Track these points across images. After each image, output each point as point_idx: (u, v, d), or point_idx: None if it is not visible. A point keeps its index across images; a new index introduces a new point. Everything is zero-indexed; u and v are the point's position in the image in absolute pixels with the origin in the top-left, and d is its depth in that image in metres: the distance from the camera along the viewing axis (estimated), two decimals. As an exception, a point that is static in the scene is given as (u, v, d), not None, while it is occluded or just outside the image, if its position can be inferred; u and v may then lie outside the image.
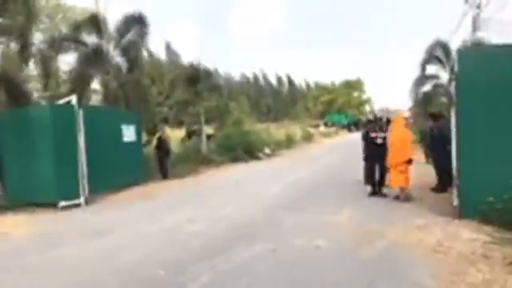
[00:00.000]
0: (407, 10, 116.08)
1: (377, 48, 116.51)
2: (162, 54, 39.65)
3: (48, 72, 14.24)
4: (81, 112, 9.50)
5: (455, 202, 6.44)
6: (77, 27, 14.62)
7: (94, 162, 9.68)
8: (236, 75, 46.32)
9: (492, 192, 5.65)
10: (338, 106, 65.65)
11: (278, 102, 52.10)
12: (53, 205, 8.82)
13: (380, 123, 9.10)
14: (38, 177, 9.12)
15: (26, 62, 13.01)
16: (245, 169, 16.09)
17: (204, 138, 18.94)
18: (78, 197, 9.21)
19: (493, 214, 5.61)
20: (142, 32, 15.02)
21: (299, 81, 64.56)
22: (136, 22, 14.92)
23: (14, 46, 12.73)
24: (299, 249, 5.32)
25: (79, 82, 14.18)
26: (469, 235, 5.41)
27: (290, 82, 58.81)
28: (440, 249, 4.99)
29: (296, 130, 32.79)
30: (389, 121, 9.25)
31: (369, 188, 8.77)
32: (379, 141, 8.61)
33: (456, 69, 6.38)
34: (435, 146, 9.19)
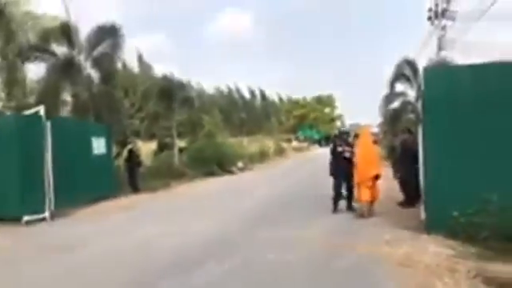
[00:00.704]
0: (379, 27, 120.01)
1: (350, 64, 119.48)
2: (134, 65, 39.30)
3: (13, 81, 13.80)
4: (48, 123, 9.24)
5: (422, 217, 6.62)
6: (46, 36, 14.29)
7: (62, 174, 9.38)
8: (209, 88, 46.26)
9: (457, 207, 5.82)
10: (310, 120, 66.62)
11: (251, 115, 52.30)
12: (16, 219, 8.46)
13: (345, 137, 9.10)
14: (1, 190, 8.73)
15: None
16: (217, 183, 16.02)
17: (176, 151, 18.76)
18: (43, 211, 8.88)
19: (458, 228, 5.78)
20: (116, 43, 14.82)
21: (272, 94, 65.22)
22: (109, 33, 14.72)
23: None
24: (271, 263, 5.31)
25: (48, 92, 13.82)
26: (435, 249, 5.55)
27: (263, 95, 59.27)
28: (408, 262, 5.10)
29: (269, 144, 33.02)
30: (356, 135, 9.30)
31: (332, 205, 8.70)
32: (347, 154, 8.63)
33: (422, 86, 6.62)
34: (402, 161, 9.37)
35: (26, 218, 8.51)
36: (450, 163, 6.22)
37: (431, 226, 6.27)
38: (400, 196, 9.33)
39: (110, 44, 14.80)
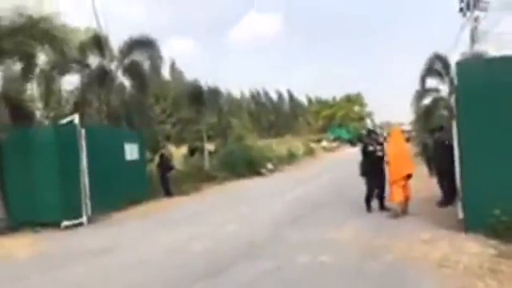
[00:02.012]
0: (409, 23, 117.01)
1: (378, 62, 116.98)
2: (166, 72, 40.03)
3: (50, 92, 14.35)
4: (83, 131, 9.55)
5: (460, 215, 6.39)
6: (81, 48, 14.81)
7: (97, 180, 9.69)
8: (236, 91, 46.59)
9: (498, 205, 5.58)
10: (337, 119, 65.81)
11: (280, 117, 52.28)
12: (56, 224, 8.79)
13: (374, 136, 8.93)
14: (41, 197, 9.10)
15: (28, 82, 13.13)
16: (247, 185, 16.06)
17: (206, 154, 18.97)
18: (80, 216, 9.19)
19: (499, 227, 5.54)
20: (149, 53, 15.18)
21: (300, 96, 65.00)
22: (141, 43, 15.10)
23: (17, 66, 12.84)
24: (304, 265, 5.26)
25: (82, 101, 14.29)
26: (475, 249, 5.34)
27: (291, 97, 59.14)
28: (446, 263, 4.92)
29: (298, 146, 32.81)
30: (387, 134, 9.09)
31: (366, 205, 8.60)
32: (380, 153, 8.48)
33: (456, 82, 6.41)
34: (438, 159, 9.06)
35: (64, 222, 8.83)
36: (488, 159, 5.98)
37: (470, 225, 6.05)
38: (437, 195, 9.05)
39: (143, 53, 15.17)
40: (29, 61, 11.63)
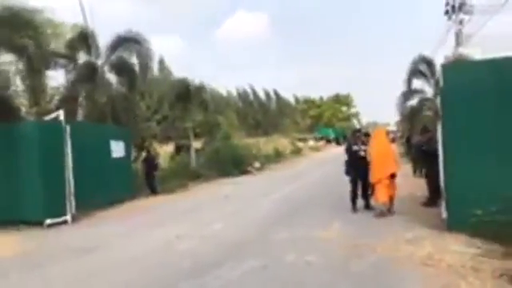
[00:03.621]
0: (397, 24, 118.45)
1: (367, 63, 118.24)
2: (155, 69, 39.24)
3: (36, 88, 14.09)
4: (68, 128, 9.40)
5: (444, 215, 6.49)
6: (68, 43, 14.58)
7: (82, 178, 9.55)
8: (223, 89, 46.39)
9: (480, 205, 5.69)
10: (325, 119, 66.25)
11: (267, 116, 52.23)
12: (39, 223, 8.64)
13: (359, 136, 9.01)
14: (24, 194, 8.92)
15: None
16: (234, 183, 16.04)
17: (193, 152, 18.88)
18: (64, 214, 9.05)
19: (481, 226, 5.64)
20: (137, 49, 15.02)
21: (288, 95, 65.10)
22: (129, 40, 14.93)
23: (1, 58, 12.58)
24: (290, 264, 5.28)
25: (67, 97, 14.08)
26: (458, 248, 5.44)
27: (278, 96, 59.20)
28: (430, 262, 5.01)
29: (285, 144, 32.92)
30: (367, 134, 9.20)
31: (351, 205, 8.66)
32: (362, 153, 8.55)
33: (441, 83, 6.50)
34: (422, 160, 9.22)
35: (48, 221, 8.69)
36: (471, 160, 6.10)
37: (453, 225, 6.16)
38: (421, 195, 9.19)
39: (130, 50, 15.01)
40: (17, 54, 11.44)
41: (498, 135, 6.00)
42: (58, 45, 15.09)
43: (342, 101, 71.48)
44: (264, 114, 52.01)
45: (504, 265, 4.64)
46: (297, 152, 33.48)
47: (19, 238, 7.79)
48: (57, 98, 14.93)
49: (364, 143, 8.72)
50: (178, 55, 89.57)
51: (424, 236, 6.17)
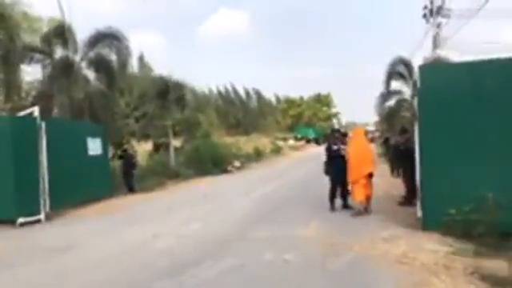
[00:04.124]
0: (377, 27, 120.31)
1: (346, 63, 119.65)
2: (134, 65, 38.62)
3: (10, 82, 13.69)
4: (43, 124, 9.17)
5: (419, 214, 6.62)
6: (43, 38, 14.22)
7: (58, 176, 9.32)
8: (204, 87, 46.13)
9: (453, 204, 5.83)
10: (305, 119, 66.68)
11: (247, 115, 52.24)
12: (11, 221, 8.39)
13: (338, 135, 9.11)
14: (-5, 192, 8.66)
15: None
16: (214, 182, 15.98)
17: (172, 151, 18.70)
18: (38, 213, 8.82)
19: (454, 225, 5.80)
20: (116, 46, 14.78)
21: (269, 95, 65.24)
22: (107, 36, 14.67)
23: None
24: (268, 263, 5.29)
25: (43, 93, 13.74)
26: (432, 246, 5.57)
27: (259, 95, 59.26)
28: (405, 260, 5.11)
29: (265, 144, 32.98)
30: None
31: (329, 204, 8.73)
32: (342, 152, 8.61)
33: (418, 84, 6.62)
34: (400, 160, 9.39)
35: (20, 219, 8.45)
36: (446, 161, 6.24)
37: (427, 224, 6.29)
38: (398, 194, 9.35)
39: (109, 46, 14.75)
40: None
41: (473, 136, 6.15)
42: (34, 39, 14.73)
43: (322, 101, 72.05)
44: (244, 113, 52.00)
45: (475, 263, 4.77)
46: (277, 151, 33.59)
47: (-10, 237, 7.56)
48: (33, 93, 14.58)
49: (343, 143, 8.81)
50: (160, 52, 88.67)
51: (399, 235, 6.28)
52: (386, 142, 19.34)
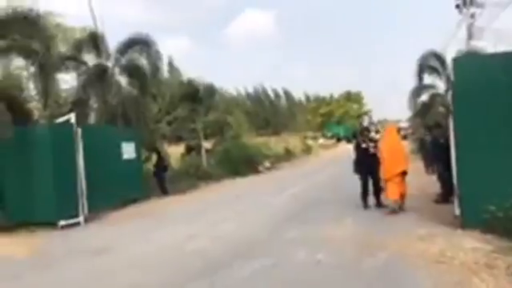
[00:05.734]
0: (407, 20, 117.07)
1: (377, 59, 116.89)
2: (164, 70, 39.23)
3: (47, 91, 14.27)
4: (79, 130, 9.52)
5: (457, 212, 6.40)
6: (77, 46, 14.73)
7: (94, 179, 9.65)
8: (232, 89, 46.42)
9: (493, 201, 5.61)
10: (336, 117, 65.83)
11: (277, 114, 52.17)
12: (52, 224, 8.75)
13: (367, 133, 8.91)
14: (37, 196, 9.03)
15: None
16: (245, 183, 16.06)
17: (203, 153, 18.94)
18: (77, 215, 9.15)
19: (495, 222, 5.57)
20: (147, 52, 15.14)
21: (298, 94, 64.93)
22: (139, 43, 15.06)
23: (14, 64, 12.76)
24: (300, 263, 5.26)
25: (79, 100, 14.23)
26: (471, 245, 5.36)
27: (288, 95, 59.08)
28: (443, 259, 4.94)
29: (295, 143, 32.80)
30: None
31: (362, 202, 8.63)
32: (372, 150, 8.49)
33: (452, 77, 6.41)
34: (436, 156, 9.09)
35: (61, 222, 8.80)
36: (483, 156, 5.99)
37: (466, 221, 6.07)
38: (433, 192, 9.08)
39: (140, 52, 15.13)
40: (27, 57, 11.60)
41: (511, 130, 5.89)
42: (68, 48, 15.27)
43: (353, 98, 70.97)
44: (274, 113, 51.97)
45: (519, 261, 4.56)
46: (307, 150, 33.35)
47: (32, 240, 7.91)
48: (69, 101, 15.12)
49: (372, 140, 8.65)
50: (188, 55, 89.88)
51: (436, 233, 6.09)
52: (421, 140, 18.73)
